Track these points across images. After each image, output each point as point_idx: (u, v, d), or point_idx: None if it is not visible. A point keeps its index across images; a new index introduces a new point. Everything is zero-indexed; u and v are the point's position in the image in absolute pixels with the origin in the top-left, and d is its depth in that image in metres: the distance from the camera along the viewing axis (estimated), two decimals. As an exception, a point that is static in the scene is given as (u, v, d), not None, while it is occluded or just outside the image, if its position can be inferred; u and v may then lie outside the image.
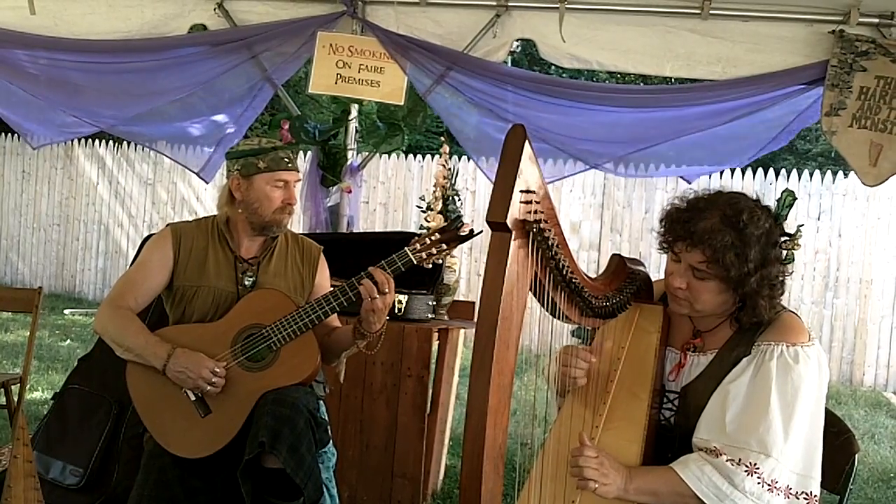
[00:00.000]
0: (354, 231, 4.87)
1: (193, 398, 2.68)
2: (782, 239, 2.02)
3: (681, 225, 1.99)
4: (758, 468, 1.88)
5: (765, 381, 1.94)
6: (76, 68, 4.73)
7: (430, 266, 2.68)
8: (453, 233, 2.62)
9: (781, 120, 4.28)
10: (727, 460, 1.89)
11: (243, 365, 2.68)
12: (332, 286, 2.84)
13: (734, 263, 1.93)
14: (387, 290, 2.59)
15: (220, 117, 4.85)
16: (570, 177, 5.73)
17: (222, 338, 2.70)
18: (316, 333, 2.76)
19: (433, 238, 2.63)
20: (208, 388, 2.63)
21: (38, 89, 4.80)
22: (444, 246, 2.62)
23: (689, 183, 4.70)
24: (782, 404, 1.91)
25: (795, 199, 2.06)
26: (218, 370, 2.64)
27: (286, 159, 2.84)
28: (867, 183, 3.94)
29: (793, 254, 2.03)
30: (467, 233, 2.60)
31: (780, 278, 2.00)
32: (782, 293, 2.02)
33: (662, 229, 2.06)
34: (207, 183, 5.11)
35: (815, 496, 1.92)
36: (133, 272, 2.88)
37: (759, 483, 1.87)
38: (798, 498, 1.91)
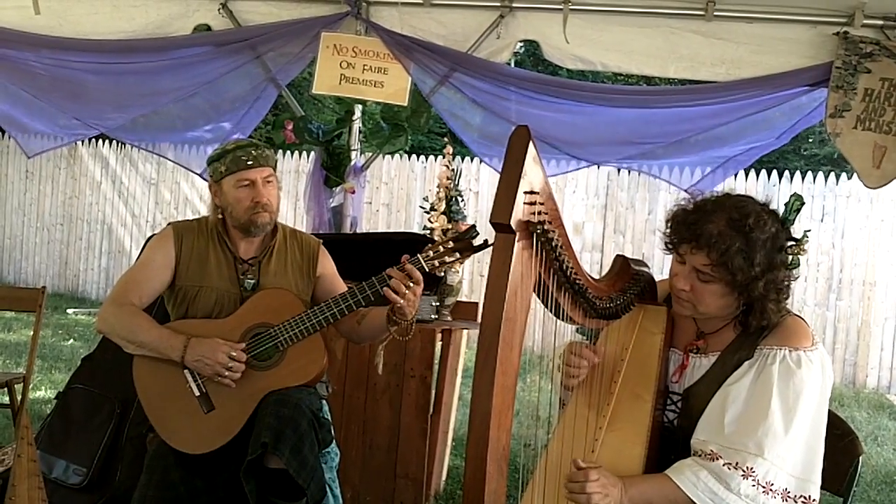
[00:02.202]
0: (357, 232, 4.87)
1: (198, 393, 2.69)
2: (788, 244, 2.01)
3: (687, 227, 1.98)
4: (753, 471, 1.87)
5: (766, 385, 1.94)
6: (80, 68, 4.73)
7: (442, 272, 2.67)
8: (467, 242, 2.60)
9: (784, 121, 4.27)
10: (724, 464, 1.89)
11: (249, 363, 2.68)
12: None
13: (741, 268, 1.92)
14: (412, 283, 2.57)
15: (224, 119, 4.85)
16: (573, 172, 5.71)
17: (230, 335, 2.71)
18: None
19: (446, 246, 2.61)
20: (226, 373, 2.63)
21: (41, 91, 4.80)
22: (458, 255, 2.60)
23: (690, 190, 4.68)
24: (783, 408, 1.91)
25: (803, 203, 2.05)
26: (235, 354, 2.64)
27: (245, 158, 2.77)
28: (869, 185, 3.92)
29: (798, 259, 2.02)
30: (481, 243, 2.57)
31: (786, 283, 1.99)
32: (787, 297, 2.01)
33: (668, 230, 2.06)
34: (210, 184, 5.10)
35: (815, 500, 1.92)
36: (135, 271, 2.87)
37: (753, 485, 1.87)
38: (796, 501, 1.90)
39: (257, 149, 2.82)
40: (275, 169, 2.88)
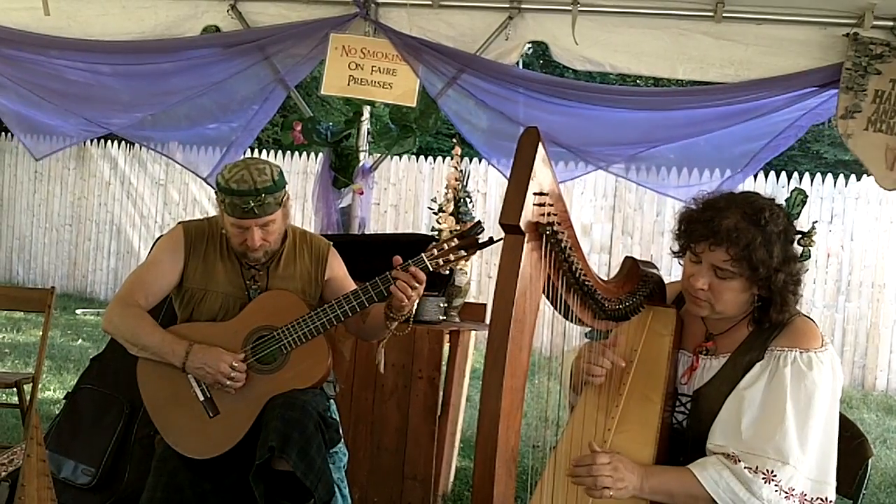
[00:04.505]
0: (366, 233, 4.88)
1: (202, 398, 2.68)
2: (797, 236, 2.01)
3: (702, 224, 1.98)
4: (775, 476, 1.87)
5: (779, 389, 1.93)
6: (88, 69, 4.74)
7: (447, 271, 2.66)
8: (472, 239, 2.54)
9: (790, 120, 4.25)
10: (745, 468, 1.89)
11: (253, 367, 2.68)
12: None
13: (763, 261, 1.92)
14: (418, 284, 2.55)
15: (232, 120, 4.85)
16: (582, 176, 5.70)
17: (234, 338, 2.70)
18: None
19: (451, 244, 2.56)
20: (228, 382, 2.62)
21: (49, 93, 4.80)
22: (463, 252, 2.55)
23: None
24: (797, 411, 1.91)
25: (806, 196, 2.05)
26: (237, 364, 2.64)
27: (244, 208, 2.62)
28: (885, 187, 3.90)
29: (809, 251, 2.02)
30: (487, 240, 2.50)
31: (801, 275, 2.00)
32: (802, 290, 2.02)
33: (680, 231, 2.05)
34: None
35: (831, 501, 1.92)
36: (143, 271, 2.86)
37: (776, 490, 1.87)
38: (814, 503, 1.90)
39: (257, 196, 2.63)
40: (281, 203, 2.73)
